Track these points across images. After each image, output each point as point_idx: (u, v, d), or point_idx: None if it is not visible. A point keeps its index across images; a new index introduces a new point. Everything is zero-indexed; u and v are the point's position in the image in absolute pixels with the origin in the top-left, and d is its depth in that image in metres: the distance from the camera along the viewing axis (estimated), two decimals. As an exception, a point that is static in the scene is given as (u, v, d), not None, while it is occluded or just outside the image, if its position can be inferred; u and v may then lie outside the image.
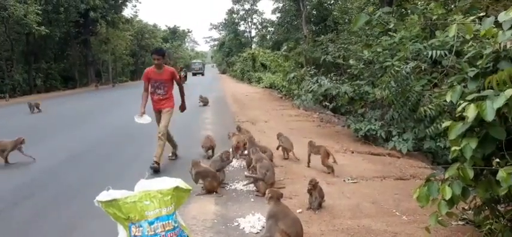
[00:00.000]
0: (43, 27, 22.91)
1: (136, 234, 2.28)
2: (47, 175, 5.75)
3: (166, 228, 2.32)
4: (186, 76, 32.41)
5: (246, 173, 5.28)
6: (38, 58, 26.95)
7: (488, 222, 2.88)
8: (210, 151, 6.64)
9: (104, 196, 2.41)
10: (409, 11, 9.81)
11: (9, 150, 6.35)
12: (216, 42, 66.69)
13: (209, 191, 4.71)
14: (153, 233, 2.27)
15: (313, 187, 4.16)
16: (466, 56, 3.59)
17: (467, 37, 4.25)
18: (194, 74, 57.42)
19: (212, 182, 4.71)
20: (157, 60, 5.94)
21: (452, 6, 8.52)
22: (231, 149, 5.99)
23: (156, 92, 6.05)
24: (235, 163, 6.19)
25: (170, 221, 2.36)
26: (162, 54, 6.08)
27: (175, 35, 68.63)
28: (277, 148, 6.54)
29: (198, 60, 73.03)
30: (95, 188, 2.78)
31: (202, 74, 58.62)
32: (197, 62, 65.14)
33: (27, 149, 6.50)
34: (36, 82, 26.18)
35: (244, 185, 5.03)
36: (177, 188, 2.50)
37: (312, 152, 5.96)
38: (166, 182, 2.56)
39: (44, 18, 24.03)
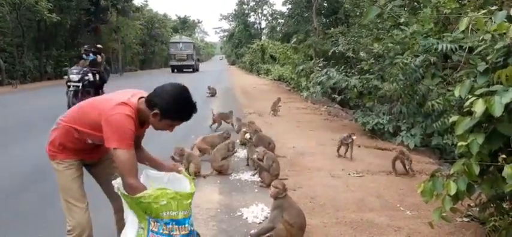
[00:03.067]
0: (54, 14, 23.04)
1: (154, 229, 2.19)
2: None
3: (182, 232, 2.24)
4: (101, 82, 11.06)
5: (254, 156, 4.95)
6: (48, 45, 27.15)
7: (492, 219, 2.85)
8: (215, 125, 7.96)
9: (117, 183, 2.31)
10: (421, 5, 9.64)
11: None
12: (225, 33, 66.39)
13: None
14: (168, 232, 2.20)
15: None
16: (477, 50, 3.52)
17: (479, 33, 4.17)
18: (175, 68, 34.00)
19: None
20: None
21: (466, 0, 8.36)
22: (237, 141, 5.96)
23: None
24: (240, 153, 6.20)
25: (186, 225, 2.25)
26: None
27: (186, 25, 68.70)
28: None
29: (183, 38, 41.27)
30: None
31: (194, 69, 35.31)
32: (181, 42, 36.41)
33: (38, 138, 6.52)
34: (46, 69, 26.45)
35: (253, 175, 5.06)
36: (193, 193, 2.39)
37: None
38: (183, 184, 2.43)
39: (55, 6, 24.15)
